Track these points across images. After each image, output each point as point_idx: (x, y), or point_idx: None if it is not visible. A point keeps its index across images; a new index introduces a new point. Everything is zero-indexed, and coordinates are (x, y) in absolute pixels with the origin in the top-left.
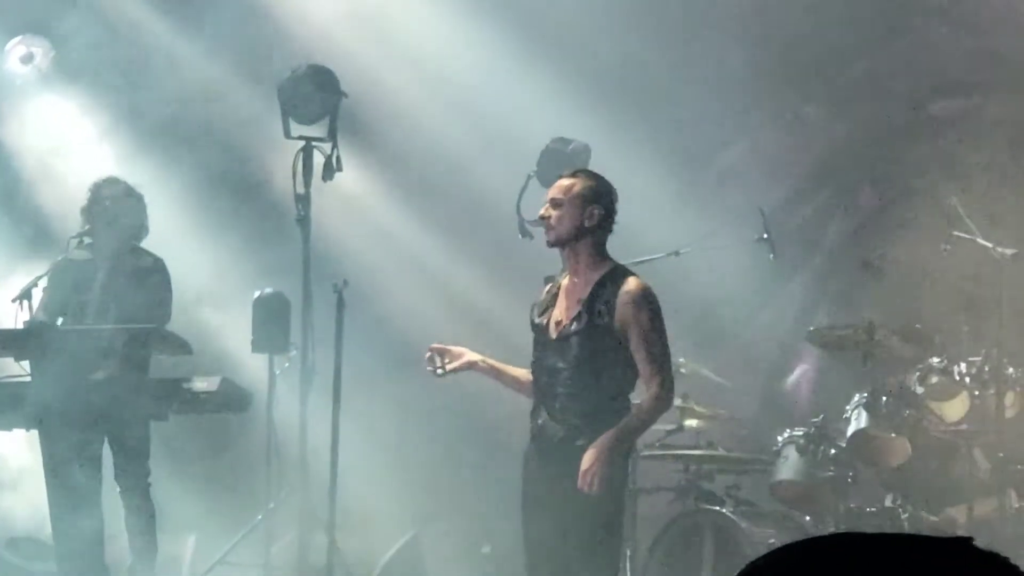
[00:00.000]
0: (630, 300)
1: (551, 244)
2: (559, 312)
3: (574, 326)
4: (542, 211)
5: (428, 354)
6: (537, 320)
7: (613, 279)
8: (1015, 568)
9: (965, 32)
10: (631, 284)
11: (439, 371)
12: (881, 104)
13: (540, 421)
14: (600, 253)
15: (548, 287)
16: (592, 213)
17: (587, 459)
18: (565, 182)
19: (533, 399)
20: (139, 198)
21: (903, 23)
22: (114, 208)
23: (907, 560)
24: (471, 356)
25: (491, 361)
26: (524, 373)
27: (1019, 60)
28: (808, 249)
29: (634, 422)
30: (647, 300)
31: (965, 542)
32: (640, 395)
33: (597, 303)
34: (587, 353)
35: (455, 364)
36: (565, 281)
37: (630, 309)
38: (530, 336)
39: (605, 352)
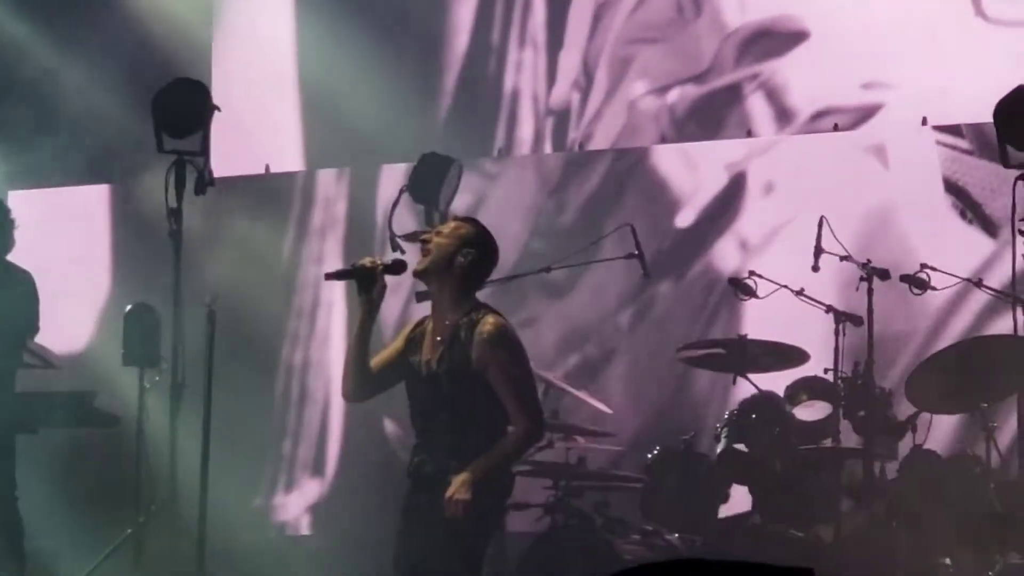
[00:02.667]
0: (485, 340)
1: (418, 271)
2: (426, 353)
3: (440, 367)
4: (425, 235)
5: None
6: (410, 359)
7: (471, 319)
8: None
9: None
10: (487, 323)
11: (332, 271)
12: None
13: (416, 459)
14: (465, 295)
15: (416, 324)
16: (467, 254)
17: (453, 486)
18: (456, 222)
19: (415, 439)
20: (5, 212)
21: None
22: None
23: None
24: (372, 300)
25: (370, 333)
26: (375, 363)
27: None
28: (680, 266)
29: (497, 454)
30: (503, 338)
31: (807, 573)
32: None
33: (456, 344)
34: (456, 393)
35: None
36: (430, 323)
37: (486, 349)
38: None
39: (473, 391)
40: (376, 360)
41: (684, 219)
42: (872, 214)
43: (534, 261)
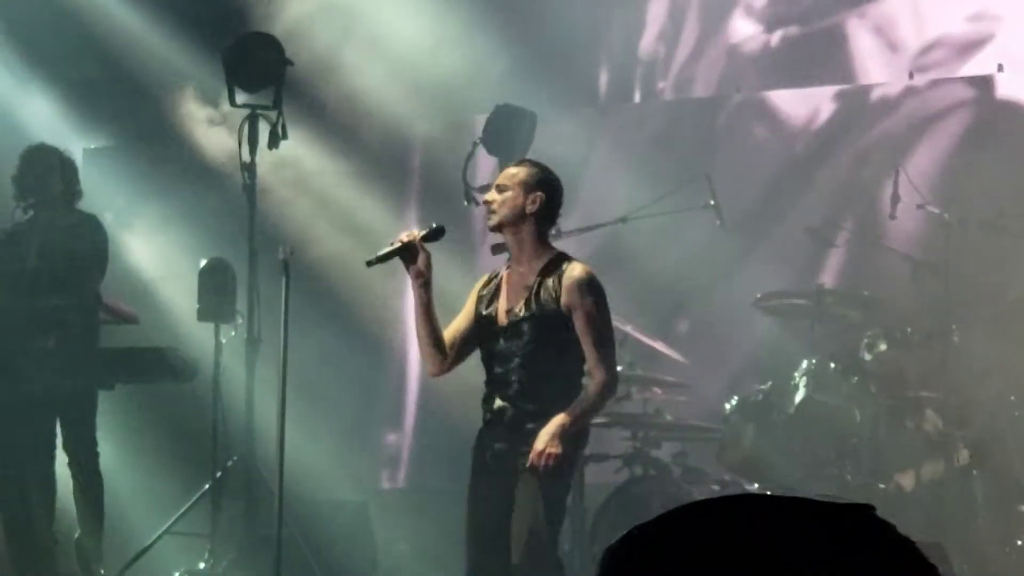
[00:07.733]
0: (575, 286)
1: (492, 228)
2: (506, 301)
3: (523, 314)
4: (487, 196)
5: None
6: (485, 312)
7: (557, 265)
8: (907, 540)
9: None
10: (576, 270)
11: (371, 258)
12: None
13: (494, 406)
14: (542, 240)
15: (488, 279)
16: (535, 199)
17: (541, 439)
18: (511, 169)
19: (486, 387)
20: (71, 163)
21: None
22: (46, 175)
23: (803, 523)
24: (421, 271)
25: (432, 303)
26: (451, 332)
27: None
28: (756, 215)
29: (582, 407)
30: (591, 286)
31: (867, 509)
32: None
33: (543, 290)
34: (537, 340)
35: (412, 264)
36: (507, 271)
37: (575, 295)
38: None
39: (555, 338)
40: (451, 329)
41: (769, 170)
42: (968, 158)
43: (618, 209)
